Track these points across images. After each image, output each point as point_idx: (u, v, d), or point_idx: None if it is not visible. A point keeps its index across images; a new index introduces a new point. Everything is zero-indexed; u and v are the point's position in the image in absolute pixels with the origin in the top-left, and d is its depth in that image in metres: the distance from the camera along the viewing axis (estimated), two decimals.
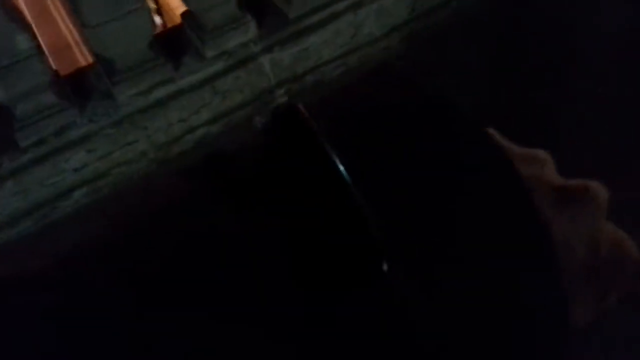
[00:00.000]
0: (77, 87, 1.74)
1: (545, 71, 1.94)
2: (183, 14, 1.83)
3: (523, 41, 2.01)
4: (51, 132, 1.65)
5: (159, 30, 2.27)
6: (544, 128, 1.82)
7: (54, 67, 1.80)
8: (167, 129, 1.85)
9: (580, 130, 1.73)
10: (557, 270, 0.27)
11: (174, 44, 1.81)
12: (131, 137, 1.77)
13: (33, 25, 1.71)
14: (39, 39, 1.75)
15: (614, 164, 1.72)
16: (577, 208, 0.34)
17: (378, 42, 2.04)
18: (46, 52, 1.83)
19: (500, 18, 2.12)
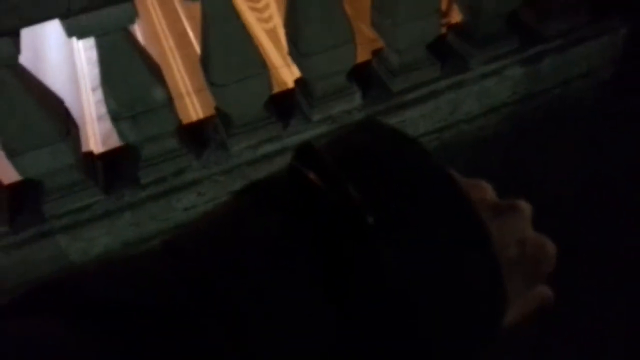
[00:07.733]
0: (195, 135, 1.94)
1: None
2: (296, 81, 2.00)
3: (620, 137, 2.00)
4: (170, 172, 1.84)
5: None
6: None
7: None
8: None
9: None
10: (495, 261, 0.32)
11: (284, 105, 1.98)
12: (237, 186, 1.92)
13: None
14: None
15: None
16: (505, 219, 0.39)
17: (475, 120, 2.13)
18: None
19: (603, 110, 2.12)
